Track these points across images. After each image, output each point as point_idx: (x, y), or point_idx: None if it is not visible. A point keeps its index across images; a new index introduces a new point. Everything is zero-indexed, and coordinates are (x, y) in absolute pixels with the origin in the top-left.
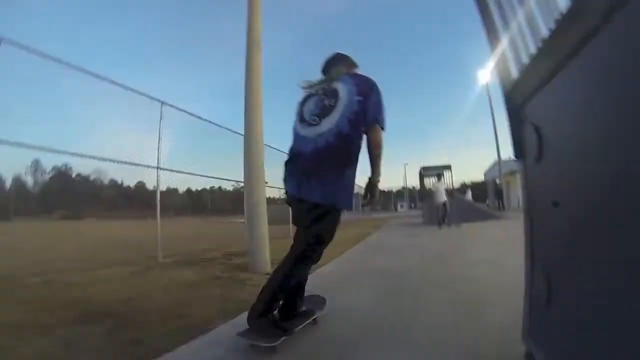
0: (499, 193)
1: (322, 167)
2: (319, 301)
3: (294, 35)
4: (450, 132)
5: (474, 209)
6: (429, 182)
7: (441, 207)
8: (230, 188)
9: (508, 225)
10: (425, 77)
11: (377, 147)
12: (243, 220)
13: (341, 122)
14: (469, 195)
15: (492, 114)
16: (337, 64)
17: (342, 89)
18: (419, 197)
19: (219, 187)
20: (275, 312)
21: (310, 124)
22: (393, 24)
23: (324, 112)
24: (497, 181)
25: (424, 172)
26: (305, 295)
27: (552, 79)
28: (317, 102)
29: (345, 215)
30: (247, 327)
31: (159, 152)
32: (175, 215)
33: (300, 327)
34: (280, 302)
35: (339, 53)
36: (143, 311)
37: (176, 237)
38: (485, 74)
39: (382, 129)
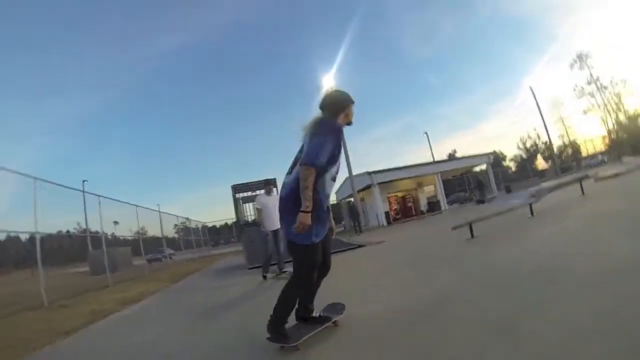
0: (353, 214)
1: (285, 210)
2: (339, 307)
3: None
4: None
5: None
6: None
7: (270, 240)
8: None
9: (378, 256)
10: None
11: (300, 180)
12: None
13: (292, 183)
14: None
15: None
16: (321, 108)
17: (306, 140)
18: (236, 229)
19: None
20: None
21: (287, 173)
22: None
23: (294, 163)
24: (352, 200)
25: (237, 192)
26: (326, 305)
27: None
28: (297, 154)
29: (182, 255)
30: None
31: None
32: None
33: (317, 330)
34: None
35: (324, 98)
36: None
37: None
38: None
39: (308, 165)
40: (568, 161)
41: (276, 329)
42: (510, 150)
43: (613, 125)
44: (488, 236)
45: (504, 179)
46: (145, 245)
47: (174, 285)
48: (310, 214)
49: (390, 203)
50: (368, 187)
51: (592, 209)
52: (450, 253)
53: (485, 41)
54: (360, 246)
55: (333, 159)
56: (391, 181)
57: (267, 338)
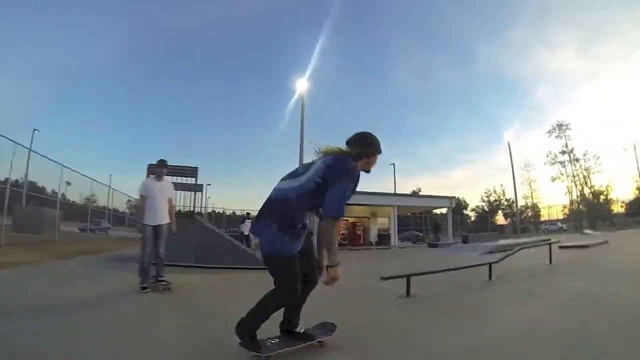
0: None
1: (269, 213)
2: (329, 327)
3: None
4: None
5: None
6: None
7: (150, 238)
8: None
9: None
10: None
11: (326, 235)
12: None
13: (289, 191)
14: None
15: None
16: (349, 143)
17: (314, 166)
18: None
19: None
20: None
21: (281, 179)
22: None
23: (290, 175)
24: None
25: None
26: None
27: None
28: (298, 167)
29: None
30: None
31: None
32: None
33: (297, 346)
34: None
35: (355, 135)
36: None
37: None
38: None
39: (334, 218)
40: (526, 222)
41: (246, 333)
42: (473, 201)
43: (577, 197)
44: (428, 299)
45: (461, 226)
46: (93, 215)
47: (50, 262)
48: (338, 266)
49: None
50: None
51: (567, 287)
52: (369, 320)
53: (472, 93)
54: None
55: None
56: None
57: (240, 343)
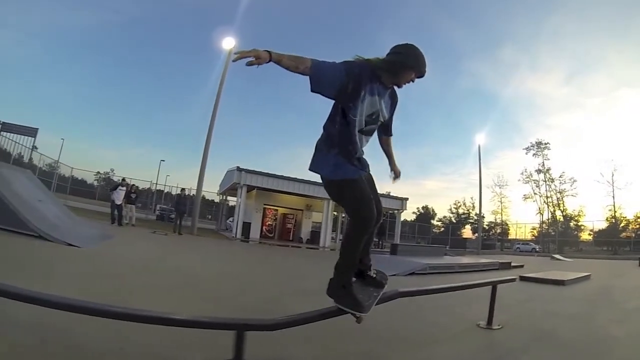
0: (179, 207)
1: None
2: (383, 276)
3: None
4: None
5: None
6: None
7: None
8: None
9: None
10: None
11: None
12: None
13: None
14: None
15: None
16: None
17: None
18: None
19: None
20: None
21: None
22: None
23: None
24: (184, 189)
25: None
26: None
27: None
28: None
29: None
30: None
31: None
32: None
33: (378, 298)
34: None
35: (401, 45)
36: None
37: None
38: None
39: (312, 65)
40: (493, 239)
41: (342, 291)
42: (442, 212)
43: (548, 219)
44: None
45: (424, 235)
46: None
47: None
48: (269, 55)
49: (265, 216)
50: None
51: None
52: None
53: (456, 105)
54: None
55: (352, 97)
56: (274, 191)
57: (338, 307)
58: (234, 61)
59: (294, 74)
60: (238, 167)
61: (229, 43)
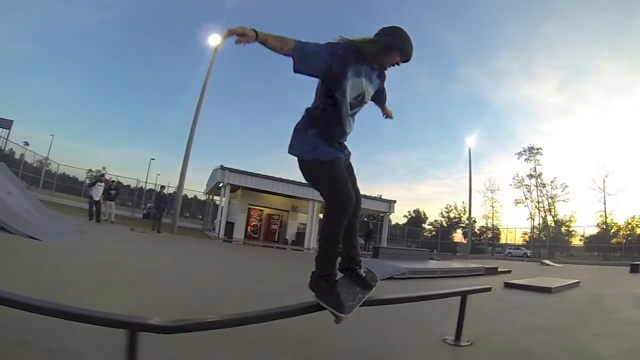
0: (159, 204)
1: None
2: (372, 276)
3: None
4: None
5: None
6: None
7: None
8: None
9: None
10: None
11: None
12: None
13: None
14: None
15: None
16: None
17: None
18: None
19: None
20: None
21: None
22: None
23: None
24: (163, 187)
25: None
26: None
27: None
28: None
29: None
30: None
31: None
32: None
33: (363, 300)
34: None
35: (388, 28)
36: None
37: None
38: None
39: (295, 46)
40: (484, 243)
41: (322, 283)
42: (433, 216)
43: (539, 224)
44: None
45: (414, 239)
46: None
47: None
48: (255, 34)
49: (250, 216)
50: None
51: None
52: None
53: (450, 110)
54: None
55: (337, 78)
56: (259, 191)
57: (318, 302)
58: (223, 40)
59: (295, 75)
60: (221, 166)
61: (214, 40)
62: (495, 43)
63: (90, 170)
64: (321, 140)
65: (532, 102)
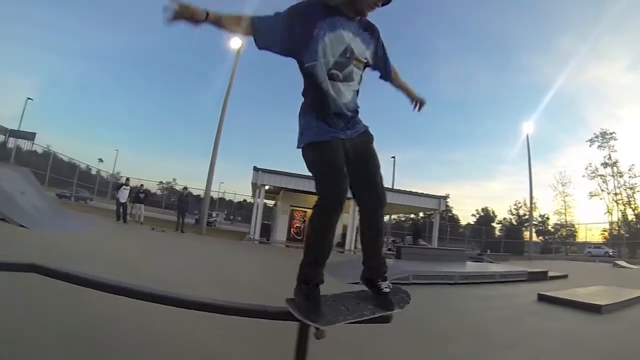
0: (181, 205)
1: None
2: (403, 296)
3: None
4: None
5: None
6: None
7: None
8: None
9: None
10: None
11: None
12: None
13: None
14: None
15: None
16: None
17: None
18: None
19: None
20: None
21: None
22: None
23: None
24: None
25: None
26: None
27: None
28: None
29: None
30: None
31: None
32: None
33: (365, 318)
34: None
35: None
36: None
37: None
38: None
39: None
40: (557, 242)
41: (301, 290)
42: (502, 214)
43: (618, 218)
44: None
45: (480, 239)
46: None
47: None
48: (206, 14)
49: (293, 218)
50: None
51: None
52: None
53: (518, 105)
54: None
55: (305, 39)
56: (297, 191)
57: (286, 303)
58: (169, 22)
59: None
60: (255, 167)
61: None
62: (558, 27)
63: (161, 182)
64: (309, 121)
65: (601, 84)
